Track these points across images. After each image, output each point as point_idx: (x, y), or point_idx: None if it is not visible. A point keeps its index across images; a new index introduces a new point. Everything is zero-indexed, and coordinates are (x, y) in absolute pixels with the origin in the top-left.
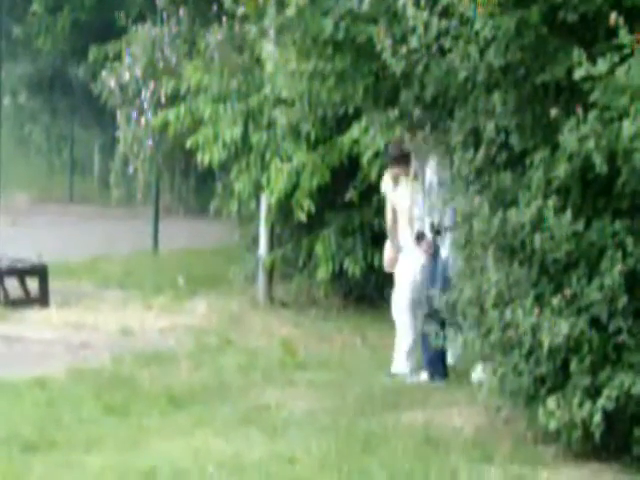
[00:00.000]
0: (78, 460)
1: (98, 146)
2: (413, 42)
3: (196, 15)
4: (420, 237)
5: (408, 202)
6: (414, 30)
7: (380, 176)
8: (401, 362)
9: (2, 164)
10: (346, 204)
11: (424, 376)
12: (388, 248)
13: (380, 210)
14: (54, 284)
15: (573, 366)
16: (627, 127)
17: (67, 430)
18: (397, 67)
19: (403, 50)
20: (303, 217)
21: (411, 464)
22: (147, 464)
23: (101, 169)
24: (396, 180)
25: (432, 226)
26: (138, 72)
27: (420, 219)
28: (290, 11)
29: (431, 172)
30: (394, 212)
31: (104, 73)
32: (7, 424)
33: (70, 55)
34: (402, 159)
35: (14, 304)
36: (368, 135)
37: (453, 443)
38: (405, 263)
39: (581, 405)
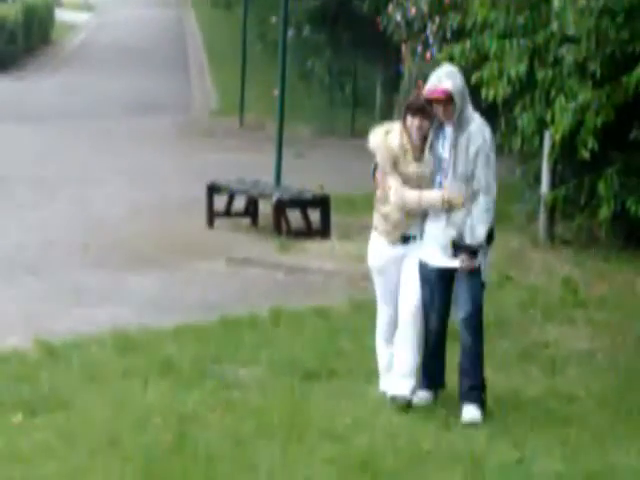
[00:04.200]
0: (359, 390)
1: (380, 81)
2: None
3: None
4: (462, 249)
5: (427, 173)
6: None
7: None
8: (403, 381)
9: (287, 97)
10: (630, 143)
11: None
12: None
13: None
14: (335, 216)
15: None
16: None
17: (348, 360)
18: None
19: None
20: (587, 155)
21: None
22: None
23: (383, 104)
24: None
25: (458, 242)
26: (424, 7)
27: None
28: None
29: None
30: (401, 179)
31: (390, 7)
32: (289, 353)
33: None
34: (428, 112)
35: (296, 235)
36: None
37: None
38: (413, 259)
39: None
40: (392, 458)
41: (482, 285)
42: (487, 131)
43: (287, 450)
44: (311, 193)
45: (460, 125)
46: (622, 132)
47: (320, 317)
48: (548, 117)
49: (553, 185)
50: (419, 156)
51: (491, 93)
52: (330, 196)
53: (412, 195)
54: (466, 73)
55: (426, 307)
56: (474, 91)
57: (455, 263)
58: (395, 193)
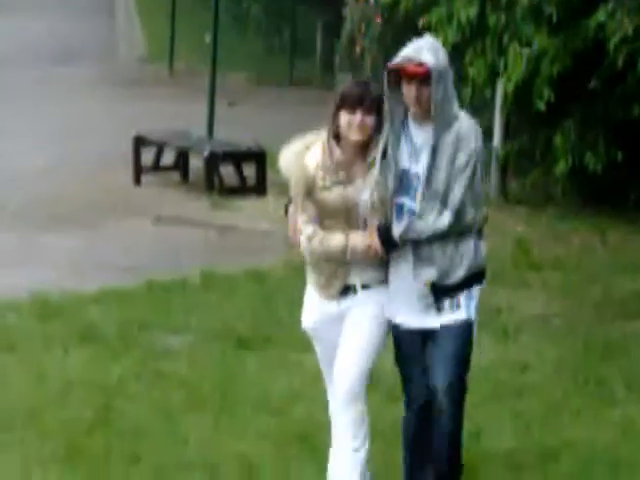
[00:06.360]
0: (294, 359)
1: (321, 25)
2: None
3: None
4: (383, 230)
5: (366, 194)
6: None
7: (629, 63)
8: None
9: (220, 42)
10: (589, 93)
11: None
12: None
13: (626, 100)
14: (272, 172)
15: None
16: None
17: (283, 327)
18: None
19: None
20: (542, 106)
21: None
22: None
23: (324, 50)
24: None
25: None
26: None
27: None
28: None
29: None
30: (323, 210)
31: None
32: (221, 318)
33: None
34: (373, 105)
35: (229, 192)
36: (615, 19)
37: None
38: (354, 310)
39: None
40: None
41: (471, 343)
42: (480, 133)
43: (219, 423)
44: (246, 146)
45: (441, 123)
46: (580, 81)
47: (254, 280)
48: (501, 65)
49: (506, 139)
50: (355, 172)
51: (439, 39)
52: (266, 150)
53: (336, 241)
54: (413, 18)
55: (409, 385)
56: (421, 36)
57: (439, 321)
58: (309, 238)
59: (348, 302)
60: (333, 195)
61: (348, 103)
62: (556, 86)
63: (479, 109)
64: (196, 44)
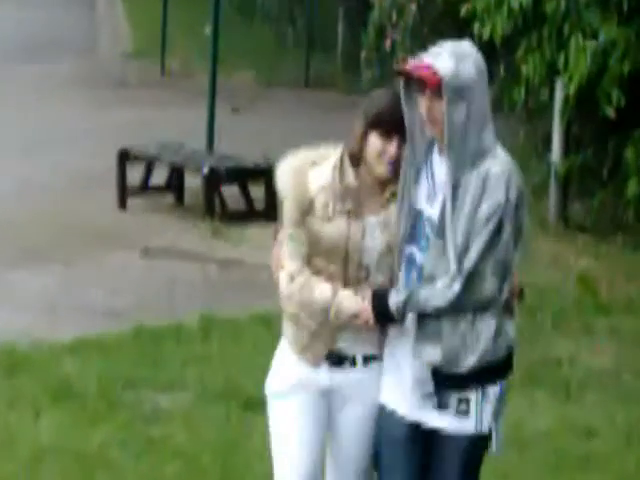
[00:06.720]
0: None
1: (343, 13)
2: None
3: None
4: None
5: (377, 239)
6: None
7: None
8: None
9: (221, 35)
10: None
11: None
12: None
13: None
14: None
15: None
16: None
17: None
18: None
19: None
20: (610, 112)
21: None
22: None
23: (346, 44)
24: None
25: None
26: None
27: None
28: None
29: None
30: (316, 245)
31: None
32: (223, 373)
33: None
34: (401, 129)
35: (233, 218)
36: None
37: None
38: (351, 405)
39: None
40: None
41: (480, 458)
42: (515, 179)
43: None
44: (253, 162)
45: (460, 155)
46: None
47: (263, 326)
48: (561, 61)
49: (567, 152)
50: (367, 206)
51: (487, 30)
52: (277, 167)
53: (320, 293)
54: (454, 4)
55: None
56: (464, 27)
57: (439, 421)
58: (290, 277)
59: (345, 377)
60: (332, 227)
61: (384, 126)
62: (627, 87)
63: (534, 115)
64: (194, 37)
